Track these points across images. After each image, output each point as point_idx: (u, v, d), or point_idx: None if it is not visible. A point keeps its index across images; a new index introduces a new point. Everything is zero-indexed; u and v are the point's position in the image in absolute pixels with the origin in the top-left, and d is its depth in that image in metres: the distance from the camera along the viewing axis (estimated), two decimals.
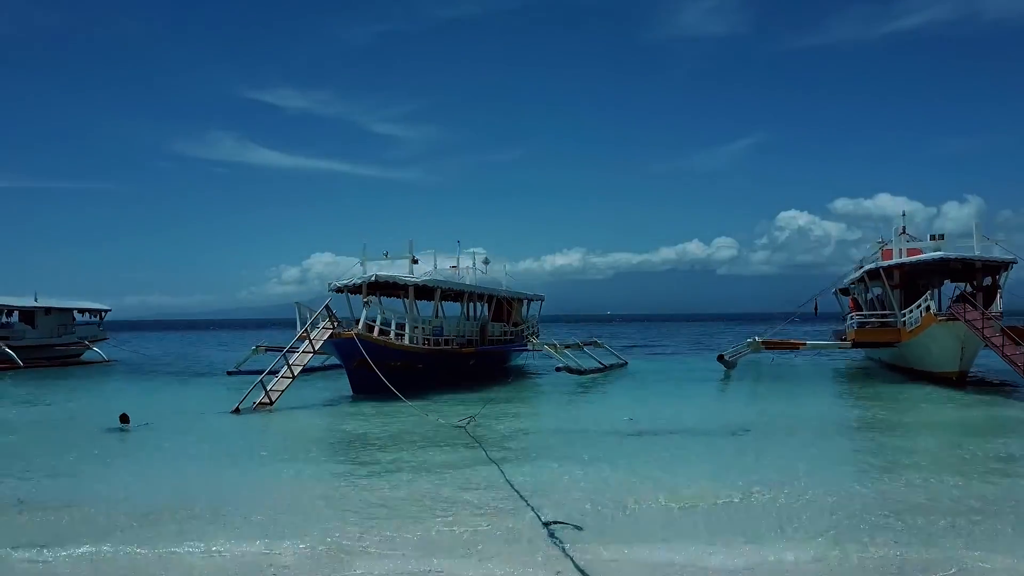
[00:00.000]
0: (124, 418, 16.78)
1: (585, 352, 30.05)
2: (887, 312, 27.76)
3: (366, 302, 24.87)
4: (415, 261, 27.73)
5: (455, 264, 32.11)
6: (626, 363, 32.70)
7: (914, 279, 28.27)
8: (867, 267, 29.50)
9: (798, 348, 29.80)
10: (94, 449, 14.51)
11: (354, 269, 27.37)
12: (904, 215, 31.74)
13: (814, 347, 30.20)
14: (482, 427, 16.56)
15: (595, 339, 35.17)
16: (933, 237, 28.09)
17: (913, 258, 27.27)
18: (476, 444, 14.06)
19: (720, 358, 30.05)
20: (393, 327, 24.82)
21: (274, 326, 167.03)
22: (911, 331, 25.49)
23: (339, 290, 26.61)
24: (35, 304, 40.75)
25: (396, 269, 27.36)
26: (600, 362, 29.95)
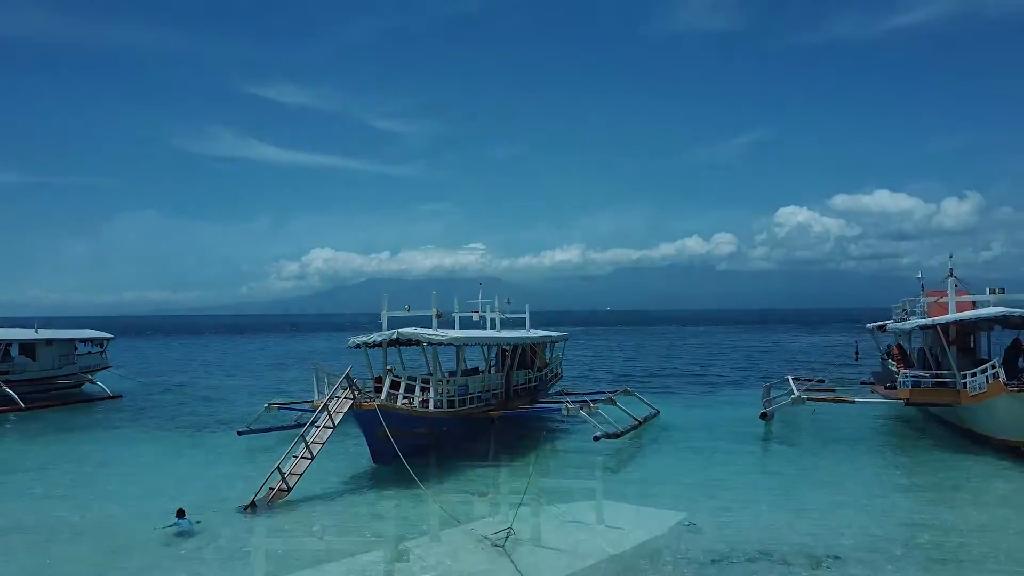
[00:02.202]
0: (180, 513, 16.62)
1: (617, 406, 28.35)
2: (944, 371, 26.04)
3: (389, 369, 23.24)
4: (439, 315, 26.16)
5: (477, 310, 30.57)
6: (658, 412, 31.04)
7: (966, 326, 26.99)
8: (920, 322, 27.84)
9: (845, 403, 28.30)
10: None
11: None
12: (951, 256, 30.02)
13: (864, 404, 28.52)
14: (521, 544, 14.77)
15: (625, 387, 33.63)
16: (993, 291, 26.35)
17: (972, 314, 25.63)
18: None
19: (763, 416, 28.47)
20: (418, 387, 23.24)
21: (273, 329, 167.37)
22: (975, 396, 23.83)
23: (358, 346, 25.08)
24: (36, 336, 39.24)
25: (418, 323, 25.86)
26: (634, 417, 28.29)
